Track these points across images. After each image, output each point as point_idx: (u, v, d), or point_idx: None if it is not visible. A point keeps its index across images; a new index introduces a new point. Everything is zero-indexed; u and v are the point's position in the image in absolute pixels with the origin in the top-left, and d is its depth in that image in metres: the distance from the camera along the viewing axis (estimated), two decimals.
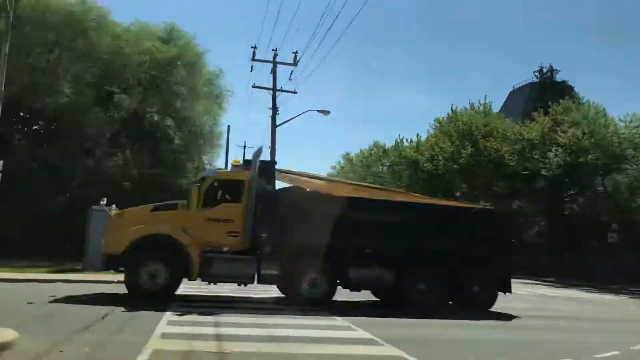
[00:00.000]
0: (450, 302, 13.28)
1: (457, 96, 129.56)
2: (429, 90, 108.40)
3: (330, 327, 9.58)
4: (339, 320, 10.34)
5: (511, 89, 63.13)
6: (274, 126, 25.54)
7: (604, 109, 33.73)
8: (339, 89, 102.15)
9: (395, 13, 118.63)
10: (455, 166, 38.32)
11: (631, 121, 31.59)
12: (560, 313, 14.70)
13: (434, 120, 44.20)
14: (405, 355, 7.37)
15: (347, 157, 56.76)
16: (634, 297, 22.75)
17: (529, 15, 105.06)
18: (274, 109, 25.53)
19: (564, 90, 48.45)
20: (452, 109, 42.15)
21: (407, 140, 45.11)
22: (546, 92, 49.70)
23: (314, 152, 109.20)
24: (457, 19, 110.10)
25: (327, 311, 11.35)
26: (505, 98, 62.88)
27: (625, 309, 17.72)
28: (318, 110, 25.95)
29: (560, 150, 33.15)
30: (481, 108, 41.79)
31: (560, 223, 36.44)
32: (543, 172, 34.00)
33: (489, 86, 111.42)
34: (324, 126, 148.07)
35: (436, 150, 39.79)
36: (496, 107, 46.46)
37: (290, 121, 27.55)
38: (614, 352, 8.48)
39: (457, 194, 38.44)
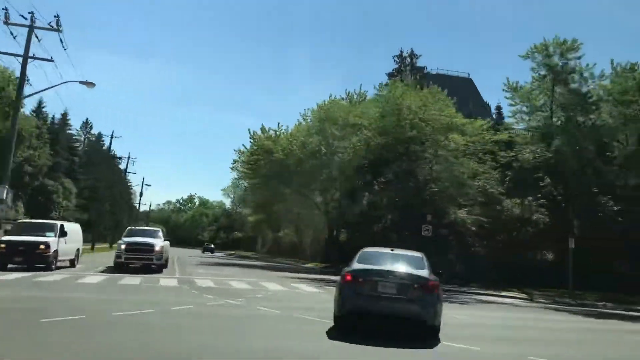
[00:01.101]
0: None
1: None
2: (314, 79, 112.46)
3: None
4: None
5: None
6: (18, 97, 23.76)
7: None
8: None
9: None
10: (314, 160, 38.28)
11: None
12: None
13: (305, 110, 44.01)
14: None
15: None
16: None
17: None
18: (22, 77, 23.20)
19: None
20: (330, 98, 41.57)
21: (271, 129, 44.14)
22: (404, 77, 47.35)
23: None
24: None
25: None
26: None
27: None
28: (80, 82, 24.10)
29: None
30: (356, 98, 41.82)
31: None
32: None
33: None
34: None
35: (294, 143, 39.70)
36: None
37: (43, 92, 26.01)
38: None
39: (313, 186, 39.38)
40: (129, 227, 27.29)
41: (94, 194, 63.39)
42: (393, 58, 48.86)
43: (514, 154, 30.86)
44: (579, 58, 29.71)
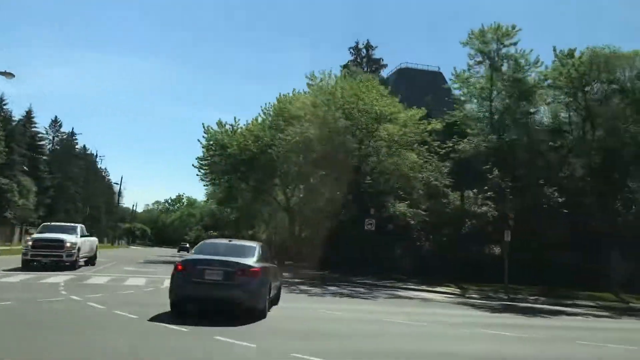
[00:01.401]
0: None
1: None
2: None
3: None
4: None
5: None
6: None
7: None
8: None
9: None
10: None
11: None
12: None
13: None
14: None
15: None
16: None
17: None
18: None
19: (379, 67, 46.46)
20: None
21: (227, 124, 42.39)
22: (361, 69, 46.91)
23: None
24: None
25: None
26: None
27: None
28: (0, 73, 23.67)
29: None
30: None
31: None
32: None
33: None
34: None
35: (248, 137, 38.40)
36: None
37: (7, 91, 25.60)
38: None
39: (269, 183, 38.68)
40: (44, 224, 26.29)
41: (62, 193, 62.60)
42: (349, 50, 47.28)
43: (452, 144, 29.92)
44: (515, 44, 28.79)
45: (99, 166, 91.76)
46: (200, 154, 43.72)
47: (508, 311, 17.46)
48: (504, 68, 29.16)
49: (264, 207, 48.47)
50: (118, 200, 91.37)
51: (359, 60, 45.05)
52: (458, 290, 25.83)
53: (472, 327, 12.38)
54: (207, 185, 49.34)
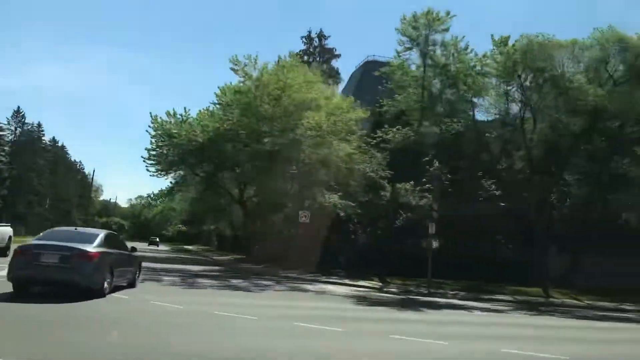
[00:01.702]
0: None
1: None
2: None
3: None
4: None
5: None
6: None
7: None
8: None
9: None
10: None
11: None
12: None
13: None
14: None
15: None
16: None
17: None
18: None
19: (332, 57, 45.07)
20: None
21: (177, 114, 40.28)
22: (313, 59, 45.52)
23: None
24: None
25: None
26: None
27: None
28: None
29: None
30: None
31: None
32: None
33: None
34: None
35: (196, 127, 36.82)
36: None
37: None
38: None
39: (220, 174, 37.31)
40: None
41: (22, 185, 61.51)
42: (301, 39, 45.98)
43: (382, 134, 29.00)
44: (446, 30, 27.73)
45: (73, 159, 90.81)
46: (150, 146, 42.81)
47: (395, 305, 16.58)
48: (439, 55, 28.11)
49: (219, 200, 47.45)
50: (91, 193, 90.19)
51: (311, 50, 43.80)
52: (380, 284, 25.01)
53: (310, 320, 11.44)
54: (153, 176, 47.92)
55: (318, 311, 13.80)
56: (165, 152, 40.87)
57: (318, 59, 42.86)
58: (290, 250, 35.00)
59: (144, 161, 43.19)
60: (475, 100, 30.34)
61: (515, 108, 28.58)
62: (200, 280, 20.39)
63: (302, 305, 15.17)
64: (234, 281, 21.19)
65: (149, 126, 39.64)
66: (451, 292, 23.44)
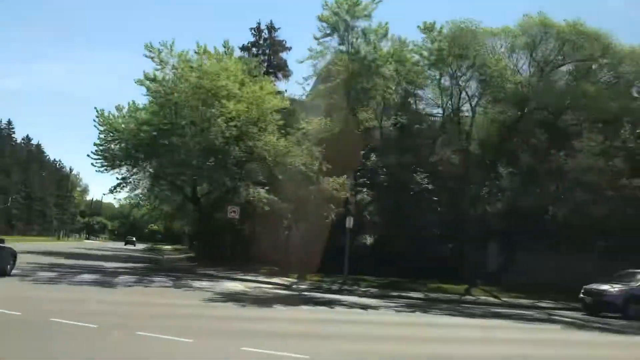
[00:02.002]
0: None
1: None
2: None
3: None
4: None
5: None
6: None
7: None
8: None
9: None
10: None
11: None
12: None
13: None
14: None
15: None
16: None
17: None
18: None
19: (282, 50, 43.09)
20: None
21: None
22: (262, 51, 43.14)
23: None
24: None
25: None
26: None
27: None
28: None
29: None
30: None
31: None
32: None
33: None
34: None
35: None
36: None
37: None
38: None
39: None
40: None
41: None
42: (250, 30, 44.10)
43: (303, 126, 27.92)
44: (369, 16, 26.47)
45: (53, 159, 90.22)
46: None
47: (264, 303, 15.47)
48: (347, 42, 26.93)
49: (174, 198, 46.38)
50: (69, 192, 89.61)
51: (260, 42, 42.50)
52: (295, 281, 23.96)
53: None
54: (99, 172, 46.69)
55: (123, 307, 12.40)
56: (113, 147, 40.01)
57: (267, 51, 41.77)
58: (229, 248, 34.08)
59: (87, 156, 42.33)
60: (410, 90, 29.28)
61: (445, 97, 27.46)
62: (85, 276, 19.33)
63: (135, 300, 13.89)
64: (121, 277, 19.97)
65: (94, 120, 38.55)
66: (362, 289, 22.32)
